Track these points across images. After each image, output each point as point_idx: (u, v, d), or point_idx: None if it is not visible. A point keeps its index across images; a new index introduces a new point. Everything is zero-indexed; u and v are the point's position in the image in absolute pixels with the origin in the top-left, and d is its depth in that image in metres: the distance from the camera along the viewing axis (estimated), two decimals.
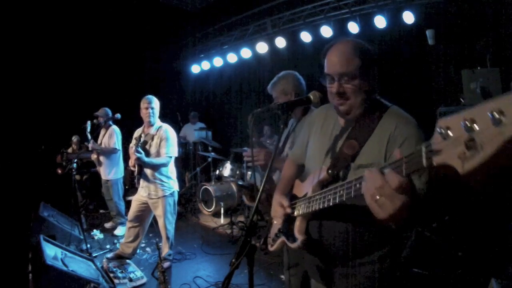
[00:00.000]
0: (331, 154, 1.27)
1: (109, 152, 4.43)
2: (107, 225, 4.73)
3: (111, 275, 3.13)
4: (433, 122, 0.66)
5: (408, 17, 4.19)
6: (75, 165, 3.72)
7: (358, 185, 0.94)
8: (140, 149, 3.14)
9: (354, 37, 4.67)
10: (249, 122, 2.16)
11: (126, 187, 4.84)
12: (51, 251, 2.67)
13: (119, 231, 4.41)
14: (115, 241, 4.12)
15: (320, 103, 1.42)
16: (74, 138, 5.45)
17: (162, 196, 3.30)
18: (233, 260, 1.09)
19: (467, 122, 0.57)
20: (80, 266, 2.74)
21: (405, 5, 4.23)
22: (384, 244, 1.21)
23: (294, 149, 1.62)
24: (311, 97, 1.42)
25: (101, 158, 4.48)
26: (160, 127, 3.37)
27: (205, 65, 7.25)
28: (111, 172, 4.51)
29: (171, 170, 3.42)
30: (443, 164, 0.63)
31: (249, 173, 4.75)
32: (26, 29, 5.37)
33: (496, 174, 0.56)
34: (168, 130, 3.37)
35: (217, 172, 5.50)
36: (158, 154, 3.29)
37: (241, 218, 4.90)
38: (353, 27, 4.69)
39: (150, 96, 3.37)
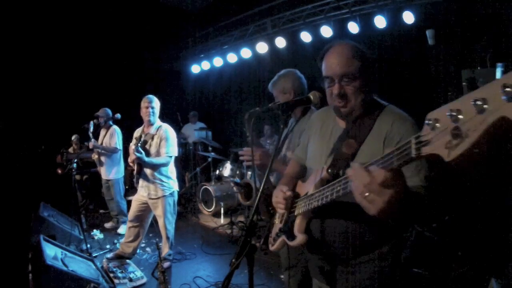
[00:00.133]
0: (331, 154, 1.28)
1: (110, 152, 4.44)
2: (107, 225, 4.73)
3: (111, 275, 3.13)
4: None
5: (408, 17, 4.19)
6: (75, 165, 3.72)
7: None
8: (140, 149, 3.15)
9: (354, 37, 4.69)
10: (245, 121, 2.17)
11: (126, 187, 4.85)
12: (51, 251, 2.67)
13: (122, 229, 4.42)
14: (115, 241, 4.12)
15: (320, 103, 1.42)
16: (74, 138, 5.45)
17: (162, 196, 3.30)
18: (233, 260, 1.09)
19: (453, 113, 0.60)
20: (80, 266, 2.74)
21: (405, 5, 4.23)
22: (384, 243, 1.22)
23: (296, 151, 1.64)
24: (311, 97, 1.43)
25: (102, 158, 4.49)
26: (160, 126, 3.37)
27: (205, 65, 7.25)
28: (112, 171, 4.52)
29: (171, 170, 3.42)
30: (431, 154, 0.66)
31: (249, 173, 4.75)
32: (27, 29, 5.37)
33: (478, 161, 0.59)
34: (168, 130, 3.37)
35: (217, 172, 5.50)
36: (158, 154, 3.29)
37: (241, 218, 4.90)
38: (353, 27, 4.69)
39: (150, 96, 3.38)
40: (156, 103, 3.38)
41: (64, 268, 2.48)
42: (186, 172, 6.69)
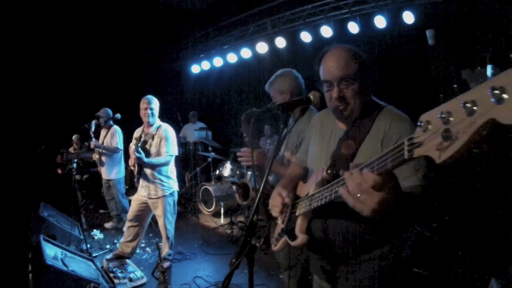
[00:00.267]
0: (330, 155, 1.30)
1: (111, 152, 4.44)
2: (107, 225, 4.73)
3: (111, 275, 3.13)
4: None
5: (408, 17, 4.19)
6: (75, 165, 3.72)
7: None
8: (140, 149, 3.15)
9: (354, 37, 4.69)
10: (242, 122, 2.17)
11: (126, 187, 4.85)
12: (51, 251, 2.67)
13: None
14: (115, 241, 4.12)
15: (320, 103, 1.43)
16: (75, 138, 5.45)
17: (162, 196, 3.30)
18: (233, 260, 1.09)
19: (443, 115, 0.62)
20: (80, 266, 2.74)
21: (405, 5, 4.23)
22: (384, 243, 1.23)
23: (298, 154, 1.66)
24: (311, 97, 1.43)
25: (103, 158, 4.49)
26: (159, 126, 3.37)
27: (205, 65, 7.25)
28: (113, 171, 4.52)
29: (171, 170, 3.42)
30: (423, 155, 0.68)
31: (249, 173, 4.75)
32: (27, 30, 5.37)
33: (465, 159, 0.63)
34: (168, 130, 3.37)
35: (217, 172, 5.50)
36: (158, 154, 3.29)
37: (241, 218, 4.90)
38: (353, 27, 4.69)
39: (149, 96, 3.37)
40: (155, 104, 3.37)
41: (64, 268, 2.48)
42: (186, 172, 6.69)
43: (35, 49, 5.45)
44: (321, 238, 1.28)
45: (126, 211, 4.53)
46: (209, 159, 5.82)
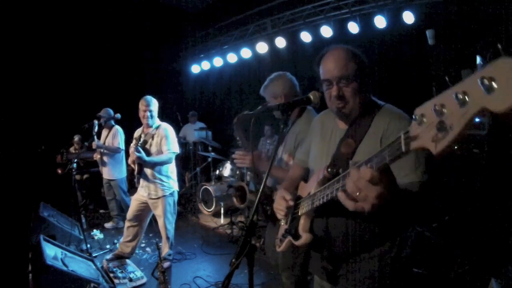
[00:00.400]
0: (331, 154, 1.32)
1: (113, 152, 4.45)
2: (107, 225, 4.73)
3: (111, 275, 3.13)
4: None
5: (408, 17, 4.19)
6: (75, 165, 3.72)
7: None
8: (140, 148, 3.15)
9: (354, 37, 4.69)
10: (234, 125, 2.17)
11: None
12: (51, 251, 2.67)
13: None
14: (115, 241, 4.12)
15: (320, 102, 1.43)
16: (76, 137, 5.45)
17: (162, 196, 3.30)
18: (233, 260, 1.09)
19: (437, 107, 0.64)
20: (80, 266, 2.74)
21: (405, 5, 4.23)
22: (385, 242, 1.24)
23: (299, 155, 1.67)
24: (311, 97, 1.43)
25: (105, 158, 4.49)
26: (159, 126, 3.37)
27: (205, 65, 7.25)
28: (116, 171, 4.52)
29: (171, 170, 3.42)
30: (419, 148, 0.70)
31: (249, 173, 4.75)
32: (27, 29, 5.37)
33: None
34: (168, 128, 3.37)
35: (217, 172, 5.50)
36: (159, 153, 3.29)
37: (241, 218, 4.90)
38: (353, 27, 4.69)
39: (148, 97, 3.35)
40: (154, 105, 3.36)
41: (64, 268, 2.48)
42: (186, 172, 6.69)
43: (35, 49, 5.45)
44: (322, 237, 1.29)
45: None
46: (209, 159, 5.82)
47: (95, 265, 3.00)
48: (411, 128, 0.72)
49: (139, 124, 3.48)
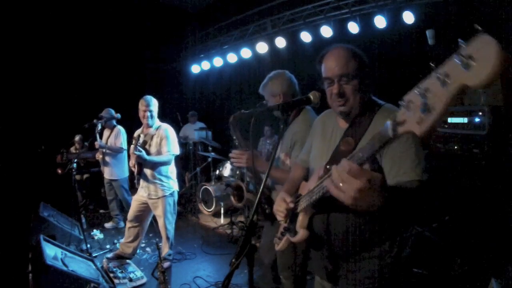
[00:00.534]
0: (330, 152, 1.33)
1: (115, 152, 4.45)
2: (107, 225, 4.73)
3: (111, 275, 3.13)
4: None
5: (408, 17, 4.19)
6: (75, 165, 3.72)
7: None
8: (139, 148, 3.15)
9: (354, 37, 4.69)
10: (230, 124, 2.17)
11: None
12: (51, 251, 2.67)
13: None
14: (115, 241, 4.12)
15: (320, 102, 1.43)
16: (77, 137, 5.45)
17: (162, 196, 3.30)
18: (233, 260, 1.10)
19: (422, 91, 0.67)
20: (80, 266, 2.74)
21: (405, 5, 4.23)
22: (385, 241, 1.24)
23: (301, 154, 1.67)
24: (311, 97, 1.43)
25: (107, 158, 4.49)
26: (159, 126, 3.37)
27: (205, 65, 7.24)
28: (118, 171, 4.52)
29: (171, 170, 3.42)
30: (406, 131, 0.72)
31: (249, 173, 4.74)
32: (27, 29, 5.37)
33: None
34: (168, 129, 3.37)
35: (217, 172, 5.50)
36: (158, 153, 3.29)
37: (241, 218, 4.90)
38: (353, 27, 4.69)
39: (148, 97, 3.34)
40: (154, 105, 3.36)
41: (64, 268, 2.48)
42: (186, 172, 6.69)
43: (35, 49, 5.45)
44: (322, 235, 1.29)
45: None
46: (209, 159, 5.82)
47: (95, 265, 3.00)
48: (398, 114, 0.74)
49: (139, 124, 3.48)
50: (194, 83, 8.00)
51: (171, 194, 3.39)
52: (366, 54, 1.32)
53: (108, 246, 4.01)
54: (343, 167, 0.87)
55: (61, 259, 2.65)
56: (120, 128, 4.54)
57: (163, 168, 3.31)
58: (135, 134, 3.45)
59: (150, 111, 3.31)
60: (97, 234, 4.35)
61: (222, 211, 5.02)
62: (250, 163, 1.97)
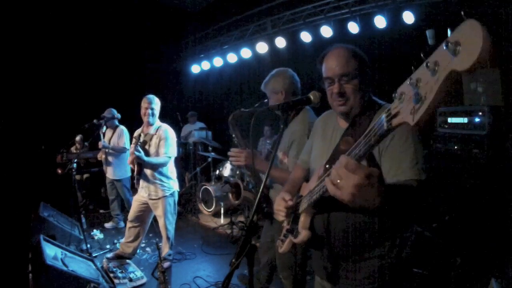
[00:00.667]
0: (331, 152, 1.31)
1: (118, 152, 4.45)
2: (107, 225, 4.73)
3: (111, 275, 3.13)
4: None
5: (408, 17, 4.19)
6: (75, 165, 3.72)
7: None
8: (139, 148, 3.15)
9: (354, 37, 4.68)
10: (229, 123, 2.17)
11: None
12: (51, 251, 2.67)
13: None
14: (115, 241, 4.13)
15: (321, 102, 1.43)
16: (77, 137, 5.45)
17: (162, 197, 3.30)
18: (233, 260, 1.10)
19: (414, 82, 0.68)
20: (80, 266, 2.74)
21: (405, 5, 4.23)
22: (385, 241, 1.24)
23: (301, 155, 1.68)
24: (311, 97, 1.44)
25: (110, 158, 4.49)
26: (159, 127, 3.37)
27: (205, 65, 7.24)
28: (120, 171, 4.52)
29: (171, 170, 3.42)
30: (400, 123, 0.72)
31: (249, 173, 4.74)
32: (27, 29, 5.37)
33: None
34: (168, 130, 3.36)
35: (217, 172, 5.50)
36: (157, 154, 3.29)
37: (241, 218, 4.91)
38: (353, 27, 4.69)
39: (151, 96, 3.36)
40: (157, 104, 3.37)
41: (64, 268, 2.48)
42: (186, 172, 6.69)
43: (35, 49, 5.45)
44: (323, 235, 1.29)
45: None
46: (209, 159, 5.82)
47: (95, 265, 3.00)
48: (392, 107, 0.75)
49: (139, 124, 3.48)
50: (194, 83, 8.00)
51: (172, 194, 3.39)
52: (366, 54, 1.32)
53: (108, 246, 4.01)
54: (340, 163, 0.87)
55: (61, 259, 2.65)
56: (123, 128, 4.54)
57: (163, 169, 3.31)
58: (136, 134, 3.46)
59: (152, 109, 3.31)
60: (97, 234, 4.35)
61: (222, 211, 5.02)
62: (248, 161, 1.97)
